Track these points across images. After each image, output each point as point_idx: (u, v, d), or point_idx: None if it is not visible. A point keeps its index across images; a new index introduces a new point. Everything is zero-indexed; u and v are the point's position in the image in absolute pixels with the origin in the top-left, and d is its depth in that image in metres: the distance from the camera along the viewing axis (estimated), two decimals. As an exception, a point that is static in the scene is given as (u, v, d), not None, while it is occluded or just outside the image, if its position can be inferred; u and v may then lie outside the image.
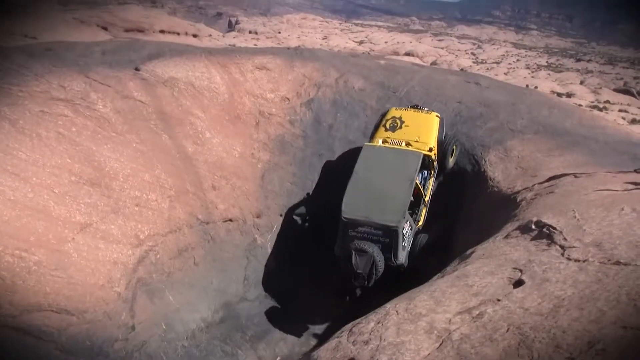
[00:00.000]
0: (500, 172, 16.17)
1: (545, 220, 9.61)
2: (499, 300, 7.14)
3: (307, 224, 18.22)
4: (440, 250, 15.64)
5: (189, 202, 15.21)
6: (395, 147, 16.88)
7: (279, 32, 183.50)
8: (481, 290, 7.59)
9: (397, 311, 7.75)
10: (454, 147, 18.05)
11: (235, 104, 18.81)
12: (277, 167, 18.62)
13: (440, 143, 17.60)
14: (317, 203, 18.36)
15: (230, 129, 18.11)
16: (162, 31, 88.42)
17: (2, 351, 8.96)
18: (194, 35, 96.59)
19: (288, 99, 20.37)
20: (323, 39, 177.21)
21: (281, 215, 18.00)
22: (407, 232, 15.07)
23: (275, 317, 16.08)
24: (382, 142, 17.27)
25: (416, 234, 15.98)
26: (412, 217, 15.63)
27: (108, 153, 13.72)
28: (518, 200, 13.02)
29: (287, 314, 16.19)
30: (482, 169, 16.88)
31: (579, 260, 7.57)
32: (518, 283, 7.49)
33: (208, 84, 18.35)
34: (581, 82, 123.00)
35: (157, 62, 17.84)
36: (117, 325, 11.58)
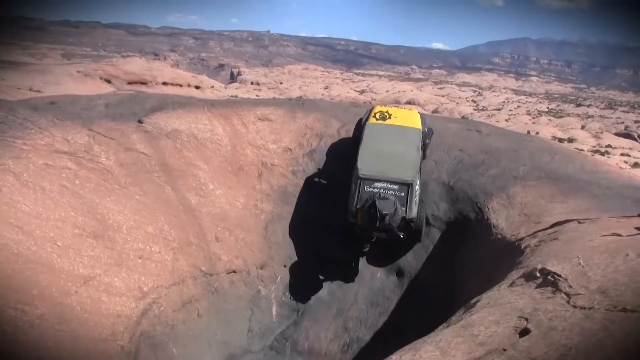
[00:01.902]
0: (503, 219, 16.13)
1: (549, 267, 9.56)
2: (505, 349, 7.06)
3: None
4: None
5: (192, 254, 15.17)
6: (396, 124, 18.85)
7: (281, 83, 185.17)
8: (487, 339, 7.52)
9: (402, 362, 7.68)
10: (428, 140, 19.66)
11: (237, 155, 18.89)
12: (280, 218, 18.62)
13: (423, 134, 18.89)
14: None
15: (233, 180, 18.17)
16: (165, 83, 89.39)
17: (4, 408, 8.87)
18: (197, 87, 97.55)
19: (290, 150, 20.46)
20: (324, 88, 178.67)
21: (285, 266, 17.92)
22: (417, 189, 16.48)
23: None
24: None
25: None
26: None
27: (111, 205, 13.73)
28: (522, 247, 12.96)
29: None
30: (485, 217, 16.84)
31: (584, 308, 7.51)
32: (524, 332, 7.42)
33: (211, 135, 18.47)
34: (582, 127, 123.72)
35: (160, 114, 17.98)
36: (120, 379, 11.47)
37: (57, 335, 10.55)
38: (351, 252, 17.79)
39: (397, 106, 20.83)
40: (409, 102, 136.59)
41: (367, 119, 19.34)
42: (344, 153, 19.81)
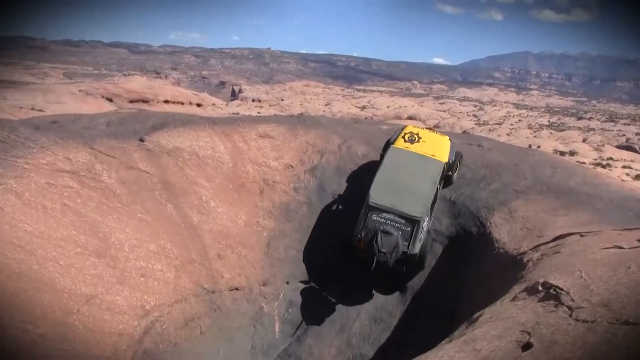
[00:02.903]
0: (505, 233, 16.14)
1: (552, 281, 9.54)
2: (508, 364, 7.05)
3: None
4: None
5: (194, 272, 15.16)
6: (420, 152, 18.37)
7: (282, 100, 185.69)
8: (489, 354, 7.50)
9: (405, 378, 7.68)
10: (458, 162, 19.56)
11: (239, 173, 18.92)
12: (283, 235, 18.61)
13: (450, 162, 18.80)
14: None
15: (235, 198, 18.19)
16: (166, 101, 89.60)
17: None
18: (198, 105, 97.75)
19: (292, 167, 20.48)
20: (325, 105, 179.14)
21: (287, 283, 17.90)
22: (425, 226, 16.49)
23: None
24: None
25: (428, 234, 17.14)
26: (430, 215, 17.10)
27: (113, 224, 13.75)
28: (524, 261, 12.95)
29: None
30: (488, 231, 16.85)
31: (587, 321, 7.49)
32: (527, 346, 7.40)
33: (212, 153, 18.50)
34: (584, 140, 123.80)
35: (161, 132, 18.03)
36: (123, 398, 11.45)
37: (60, 354, 10.57)
38: (357, 270, 17.58)
39: (430, 129, 20.71)
40: (410, 118, 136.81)
41: (395, 140, 19.33)
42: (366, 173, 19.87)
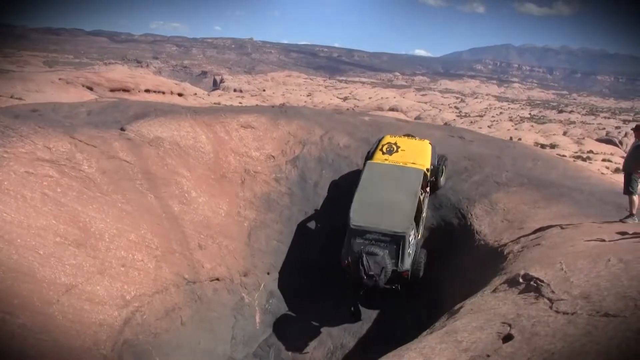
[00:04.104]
0: (486, 225, 16.22)
1: (532, 273, 9.58)
2: (488, 355, 7.07)
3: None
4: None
5: (175, 262, 15.10)
6: (398, 163, 17.84)
7: (264, 90, 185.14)
8: (470, 345, 7.52)
9: (386, 369, 7.67)
10: (443, 166, 19.14)
11: (220, 163, 18.86)
12: (264, 225, 18.59)
13: (433, 167, 18.49)
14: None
15: (216, 188, 18.13)
16: (147, 90, 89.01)
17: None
18: (180, 94, 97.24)
19: (273, 157, 20.46)
20: (307, 96, 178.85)
21: (269, 273, 17.87)
22: (412, 240, 15.91)
23: None
24: None
25: (417, 247, 16.75)
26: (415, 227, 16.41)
27: (93, 213, 13.66)
28: (505, 253, 13.02)
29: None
30: (469, 223, 16.94)
31: (567, 313, 7.52)
32: (507, 338, 7.42)
33: (194, 143, 18.43)
34: (564, 133, 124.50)
35: (142, 122, 17.93)
36: (103, 388, 11.40)
37: (39, 345, 10.48)
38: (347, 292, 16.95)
39: (408, 136, 20.21)
40: (392, 109, 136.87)
41: (373, 152, 19.08)
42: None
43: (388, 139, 19.53)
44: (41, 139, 14.20)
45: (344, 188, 19.06)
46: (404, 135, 20.14)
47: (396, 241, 15.51)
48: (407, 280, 16.02)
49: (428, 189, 18.41)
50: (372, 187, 17.16)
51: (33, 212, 12.31)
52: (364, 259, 15.00)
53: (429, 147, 19.12)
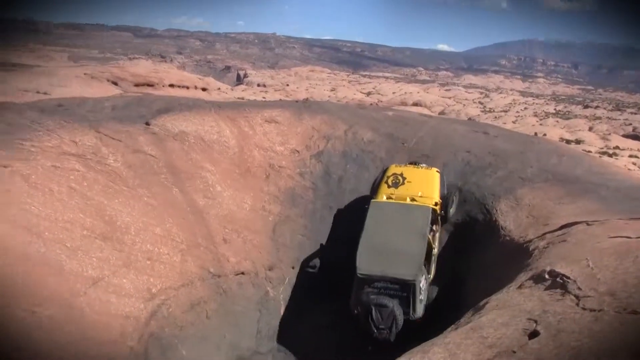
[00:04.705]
0: (511, 221, 16.14)
1: (558, 269, 9.55)
2: (514, 351, 7.06)
3: (318, 272, 18.26)
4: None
5: (200, 256, 15.18)
6: (404, 199, 17.00)
7: (287, 85, 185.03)
8: (496, 341, 7.52)
9: (411, 364, 7.68)
10: (454, 196, 18.46)
11: (245, 157, 18.92)
12: (288, 220, 18.62)
13: (443, 198, 17.80)
14: (330, 252, 18.50)
15: (241, 182, 18.19)
16: (171, 85, 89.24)
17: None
18: (203, 89, 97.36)
19: (297, 152, 20.48)
20: (331, 90, 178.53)
21: (293, 268, 17.93)
22: (423, 285, 14.97)
23: None
24: (387, 199, 17.32)
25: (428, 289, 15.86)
26: (426, 270, 15.51)
27: (119, 207, 13.76)
28: (530, 249, 12.96)
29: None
30: (494, 218, 16.86)
31: (594, 310, 7.50)
32: (533, 334, 7.41)
33: (218, 137, 18.48)
34: (590, 129, 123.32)
35: (167, 116, 18.01)
36: (129, 380, 11.50)
37: (67, 336, 10.60)
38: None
39: (414, 164, 19.35)
40: (415, 104, 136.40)
41: (379, 184, 18.38)
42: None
43: (394, 169, 18.75)
44: (67, 133, 14.32)
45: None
46: (410, 164, 19.38)
47: (406, 289, 14.61)
48: (419, 324, 15.00)
49: (439, 224, 17.84)
50: (378, 230, 16.09)
51: (60, 206, 12.42)
52: (374, 312, 14.34)
53: (437, 176, 18.38)
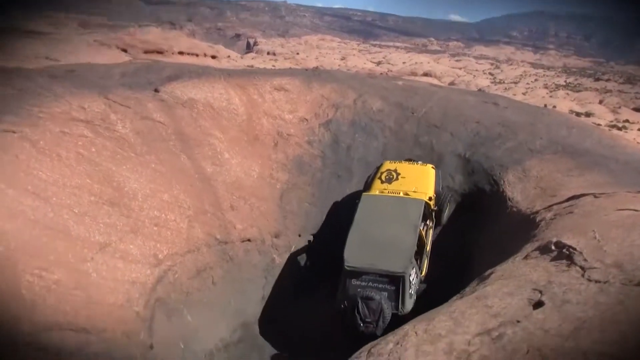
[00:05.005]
0: (519, 192, 16.10)
1: (565, 241, 9.53)
2: (518, 321, 7.07)
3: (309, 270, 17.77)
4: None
5: (207, 222, 15.23)
6: (395, 195, 16.68)
7: (297, 53, 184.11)
8: (501, 311, 7.53)
9: (416, 332, 7.71)
10: (448, 202, 17.93)
11: (253, 125, 18.89)
12: (296, 188, 18.64)
13: (438, 195, 17.35)
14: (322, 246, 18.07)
15: (249, 150, 18.18)
16: (181, 52, 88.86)
17: (21, 371, 8.98)
18: (213, 57, 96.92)
19: (306, 120, 20.42)
20: (341, 59, 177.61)
21: (300, 235, 17.96)
22: (413, 279, 14.46)
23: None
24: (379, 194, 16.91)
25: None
26: (417, 264, 15.06)
27: (127, 173, 13.78)
28: (537, 220, 12.93)
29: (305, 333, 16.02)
30: (501, 189, 16.82)
31: (599, 282, 7.49)
32: (538, 304, 7.42)
33: (227, 105, 18.45)
34: (600, 102, 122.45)
35: (176, 83, 17.97)
36: (135, 344, 11.56)
37: (74, 301, 10.68)
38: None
39: (409, 160, 18.84)
40: (425, 74, 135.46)
41: (372, 181, 17.93)
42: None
43: (388, 165, 18.41)
44: (76, 99, 14.30)
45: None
46: (406, 160, 18.83)
47: (395, 282, 14.02)
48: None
49: (433, 219, 17.30)
50: (368, 223, 15.62)
51: (68, 171, 12.44)
52: (360, 305, 13.74)
53: (432, 172, 17.94)
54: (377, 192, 16.95)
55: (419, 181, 17.30)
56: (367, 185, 17.99)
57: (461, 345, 6.94)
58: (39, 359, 9.57)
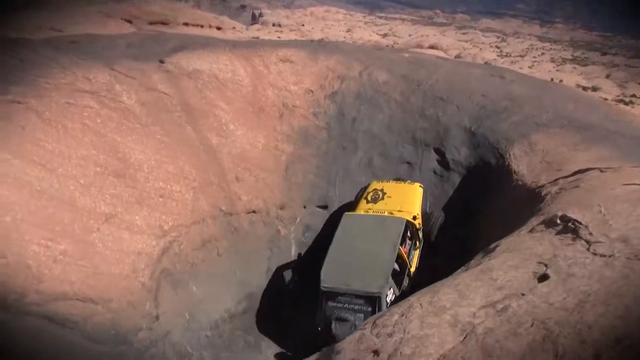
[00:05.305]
0: (524, 166, 16.06)
1: (570, 214, 9.52)
2: (523, 294, 7.09)
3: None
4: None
5: (212, 194, 15.26)
6: (377, 214, 16.34)
7: (303, 25, 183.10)
8: (505, 284, 7.55)
9: (421, 304, 7.73)
10: (437, 222, 17.34)
11: (259, 96, 18.85)
12: (301, 159, 18.63)
13: (425, 214, 17.03)
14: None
15: (254, 121, 18.16)
16: (186, 24, 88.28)
17: (28, 339, 9.06)
18: (218, 28, 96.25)
19: (312, 92, 20.35)
20: (347, 31, 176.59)
21: (305, 207, 17.98)
22: (390, 300, 13.88)
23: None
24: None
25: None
26: (397, 286, 14.56)
27: (132, 144, 13.80)
28: (543, 194, 12.92)
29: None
30: (506, 163, 16.78)
31: (604, 256, 7.50)
32: (543, 277, 7.43)
33: (232, 76, 18.40)
34: (607, 76, 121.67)
35: (181, 54, 17.93)
36: (141, 314, 11.67)
37: (80, 271, 10.76)
38: None
39: (397, 180, 18.46)
40: (431, 47, 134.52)
41: (358, 201, 17.60)
42: None
43: (375, 185, 17.99)
44: (81, 70, 14.28)
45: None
46: (394, 180, 18.45)
47: (371, 303, 13.58)
48: None
49: (421, 237, 16.88)
50: (347, 243, 15.12)
51: (74, 142, 12.46)
52: (333, 326, 13.51)
53: (420, 190, 17.56)
54: (361, 212, 16.64)
55: (405, 200, 16.92)
56: (353, 206, 17.63)
57: (466, 317, 6.97)
58: (45, 328, 9.66)
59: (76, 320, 10.27)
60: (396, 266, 14.69)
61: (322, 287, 14.03)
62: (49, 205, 11.04)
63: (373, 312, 12.94)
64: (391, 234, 15.01)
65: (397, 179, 18.45)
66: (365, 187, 18.13)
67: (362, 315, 13.40)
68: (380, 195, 17.21)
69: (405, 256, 15.35)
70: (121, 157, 13.29)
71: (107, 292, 11.12)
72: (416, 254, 16.51)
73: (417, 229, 16.50)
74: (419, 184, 17.87)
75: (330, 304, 13.90)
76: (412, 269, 15.93)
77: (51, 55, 14.45)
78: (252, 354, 14.52)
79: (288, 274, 17.34)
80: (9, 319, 9.17)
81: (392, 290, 14.08)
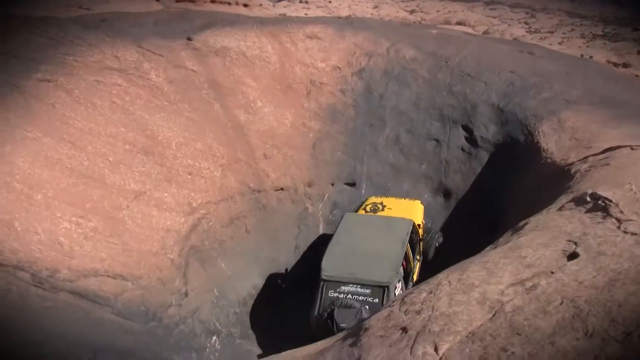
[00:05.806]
0: (553, 143, 15.88)
1: (600, 192, 9.43)
2: (552, 272, 7.04)
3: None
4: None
5: (240, 171, 15.30)
6: (382, 215, 15.84)
7: (330, 2, 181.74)
8: (535, 262, 7.50)
9: (449, 281, 7.71)
10: (435, 241, 16.73)
11: (286, 73, 18.80)
12: (328, 137, 18.57)
13: (425, 229, 16.54)
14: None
15: (282, 98, 18.13)
16: (213, 1, 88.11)
17: (59, 314, 9.17)
18: (245, 5, 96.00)
19: (339, 68, 20.24)
20: (374, 8, 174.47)
21: (332, 185, 17.97)
22: (398, 292, 12.84)
23: None
24: None
25: None
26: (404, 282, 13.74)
27: (161, 122, 13.88)
28: (572, 172, 12.78)
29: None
30: (535, 140, 16.59)
31: (636, 234, 7.43)
32: (572, 256, 7.38)
33: (259, 53, 18.36)
34: (638, 52, 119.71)
35: (209, 32, 17.91)
36: (170, 291, 11.78)
37: (110, 248, 10.87)
38: None
39: (396, 198, 17.51)
40: (459, 23, 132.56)
41: (356, 211, 16.60)
42: None
43: (373, 199, 17.28)
44: (109, 48, 14.36)
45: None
46: (392, 197, 17.58)
47: (378, 293, 12.57)
48: None
49: (420, 251, 16.07)
50: (350, 236, 14.31)
51: (103, 120, 12.57)
52: (336, 312, 12.32)
53: (421, 207, 16.97)
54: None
55: (406, 212, 16.05)
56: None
57: (494, 295, 6.94)
58: (76, 305, 9.78)
59: (107, 297, 10.38)
60: (403, 263, 13.82)
61: (322, 276, 12.96)
62: (79, 182, 11.16)
63: (380, 305, 12.06)
64: (399, 232, 14.32)
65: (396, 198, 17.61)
66: (363, 201, 17.40)
67: (368, 307, 12.48)
68: (380, 207, 16.53)
69: (411, 259, 14.57)
70: (150, 135, 13.37)
71: (136, 268, 11.23)
72: (417, 265, 15.66)
73: (420, 239, 15.96)
74: (419, 201, 17.30)
75: (331, 294, 12.81)
76: (415, 277, 15.03)
77: (79, 34, 14.54)
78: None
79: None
80: (41, 294, 9.30)
81: (400, 284, 13.31)
